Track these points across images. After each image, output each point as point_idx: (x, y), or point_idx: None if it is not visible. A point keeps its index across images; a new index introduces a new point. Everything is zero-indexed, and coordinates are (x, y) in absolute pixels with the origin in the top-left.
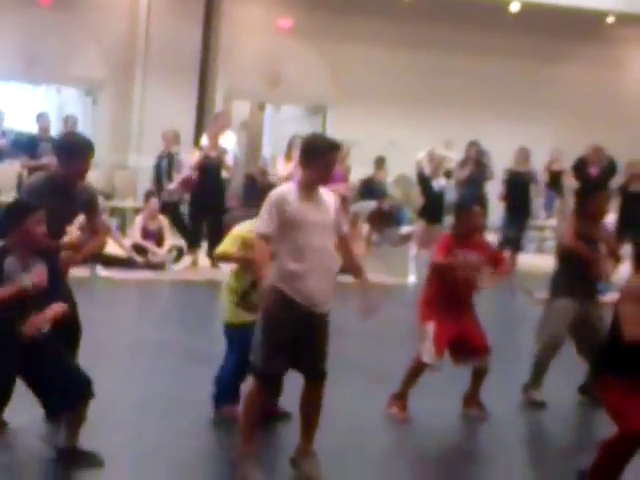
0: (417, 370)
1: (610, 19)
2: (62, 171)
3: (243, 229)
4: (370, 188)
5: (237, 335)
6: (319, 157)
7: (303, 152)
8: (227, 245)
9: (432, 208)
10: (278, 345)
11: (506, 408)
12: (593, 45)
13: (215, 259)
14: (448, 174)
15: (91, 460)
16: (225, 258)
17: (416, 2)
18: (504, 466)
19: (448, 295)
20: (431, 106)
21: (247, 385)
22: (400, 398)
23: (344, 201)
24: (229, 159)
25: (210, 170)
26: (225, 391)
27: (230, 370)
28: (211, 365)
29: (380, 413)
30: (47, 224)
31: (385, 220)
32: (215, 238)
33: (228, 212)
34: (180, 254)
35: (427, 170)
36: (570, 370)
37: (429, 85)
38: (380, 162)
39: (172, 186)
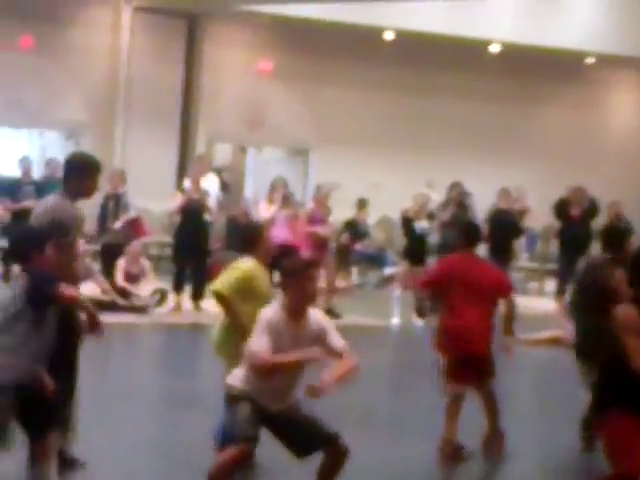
0: (453, 409)
1: (590, 60)
2: (72, 188)
3: (245, 265)
4: (353, 229)
5: None
6: (299, 276)
7: (284, 275)
8: (226, 287)
9: (415, 250)
10: (248, 416)
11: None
12: (573, 87)
13: (213, 296)
14: (430, 216)
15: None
16: (222, 303)
17: (396, 44)
18: None
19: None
20: (412, 148)
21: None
22: (448, 444)
23: (324, 243)
24: (211, 202)
25: (193, 213)
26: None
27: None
28: (195, 408)
29: (366, 453)
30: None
31: (347, 254)
32: (199, 280)
33: (211, 254)
34: (163, 297)
35: (410, 212)
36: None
37: (410, 127)
38: (362, 203)
39: (118, 225)
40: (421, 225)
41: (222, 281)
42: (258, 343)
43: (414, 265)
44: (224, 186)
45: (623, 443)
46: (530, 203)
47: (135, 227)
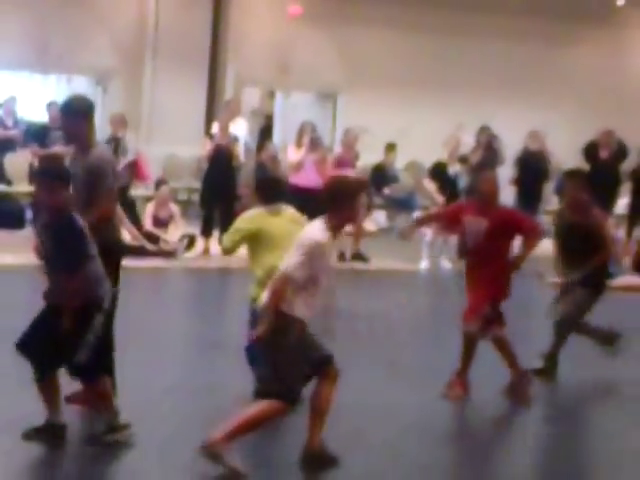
0: (468, 345)
1: (620, 2)
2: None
3: (245, 218)
4: (381, 174)
5: None
6: (347, 200)
7: (328, 195)
8: (228, 240)
9: (447, 193)
10: (303, 369)
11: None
12: (603, 29)
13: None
14: (463, 160)
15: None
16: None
17: None
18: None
19: (468, 269)
20: (442, 91)
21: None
22: (460, 376)
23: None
24: (240, 147)
25: (221, 158)
26: None
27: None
28: (223, 351)
29: (390, 397)
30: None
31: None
32: (227, 226)
33: (239, 199)
34: (192, 242)
35: (444, 158)
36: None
37: (439, 70)
38: (390, 147)
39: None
40: (454, 168)
41: (225, 238)
42: (297, 271)
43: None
44: (262, 130)
45: None
46: (558, 145)
47: (135, 170)
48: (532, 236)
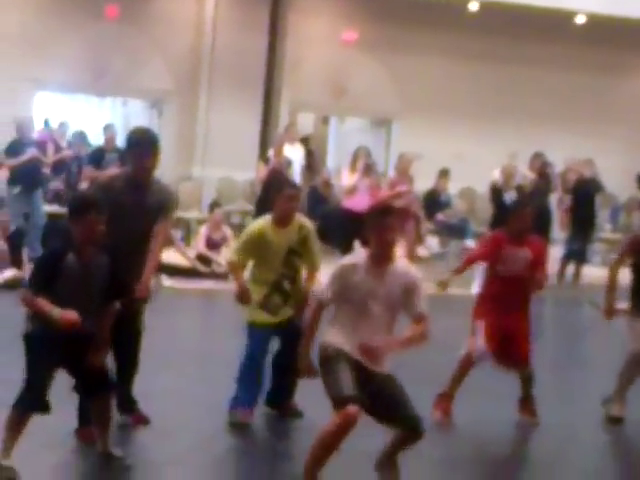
0: (464, 368)
1: None
2: (132, 166)
3: (252, 227)
4: (434, 200)
5: (256, 334)
6: (374, 224)
7: (365, 220)
8: (234, 253)
9: (503, 220)
10: (348, 375)
11: (566, 417)
12: None
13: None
14: (519, 188)
15: (117, 464)
16: (231, 271)
17: (482, 14)
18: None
19: (503, 295)
20: (496, 119)
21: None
22: (445, 399)
23: (405, 211)
24: (293, 171)
25: (275, 182)
26: (240, 392)
27: (246, 368)
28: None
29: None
30: (120, 220)
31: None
32: None
33: None
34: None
35: (499, 183)
36: None
37: (494, 98)
38: (444, 173)
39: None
40: (510, 195)
41: (232, 248)
42: (323, 291)
43: None
44: (309, 154)
45: None
46: (612, 174)
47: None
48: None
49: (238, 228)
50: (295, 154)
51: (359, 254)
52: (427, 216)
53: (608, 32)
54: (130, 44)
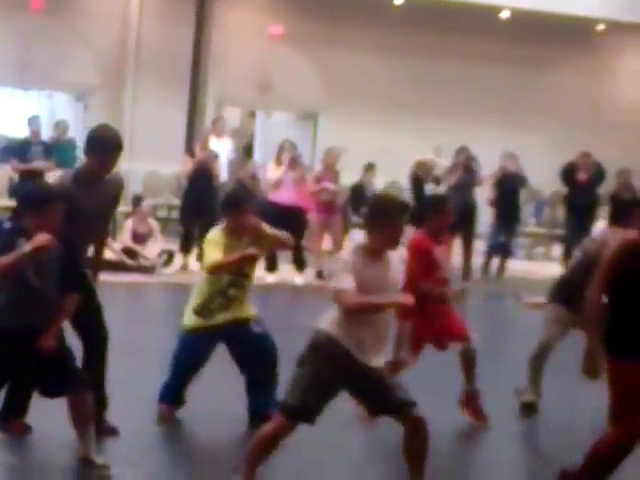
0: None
1: (600, 27)
2: (89, 165)
3: (212, 235)
4: (360, 193)
5: (188, 339)
6: (389, 220)
7: (370, 215)
8: (213, 255)
9: (421, 212)
10: (319, 386)
11: (494, 409)
12: (583, 53)
13: (208, 272)
14: (436, 181)
15: (100, 473)
16: (219, 267)
17: (407, 9)
18: (489, 465)
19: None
20: (421, 113)
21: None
22: (471, 397)
23: (331, 205)
24: (219, 165)
25: (201, 176)
26: (166, 391)
27: (175, 373)
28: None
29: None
30: (81, 220)
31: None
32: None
33: (218, 217)
34: (170, 258)
35: (420, 173)
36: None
37: (420, 92)
38: (370, 167)
39: None
40: (428, 187)
41: (207, 259)
42: (344, 282)
43: (418, 228)
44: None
45: (634, 399)
46: (538, 168)
47: None
48: None
49: (164, 222)
50: (222, 148)
51: (353, 249)
52: (354, 210)
53: (532, 27)
54: (55, 36)
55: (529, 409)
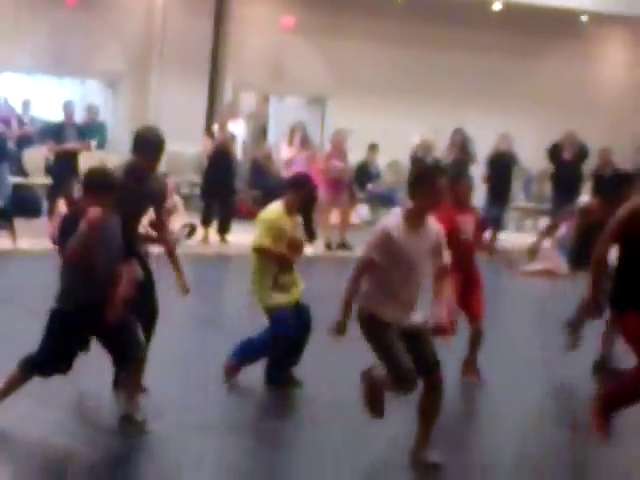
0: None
1: (584, 18)
2: (138, 162)
3: (271, 215)
4: (365, 172)
5: (274, 317)
6: (429, 184)
7: (411, 181)
8: (262, 236)
9: None
10: (399, 349)
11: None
12: (569, 42)
13: (254, 251)
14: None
15: (139, 428)
16: (263, 252)
17: (407, 2)
18: (495, 427)
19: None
20: (421, 98)
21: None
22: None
23: (340, 181)
24: (237, 145)
25: (220, 155)
26: (246, 357)
27: (261, 345)
28: (220, 329)
29: None
30: (123, 211)
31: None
32: (225, 216)
33: (237, 193)
34: (192, 230)
35: (420, 153)
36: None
37: (419, 78)
38: (372, 147)
39: None
40: None
41: (257, 237)
42: (366, 250)
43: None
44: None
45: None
46: (527, 148)
47: None
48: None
49: (186, 198)
50: (238, 129)
51: (395, 214)
52: (359, 186)
53: (522, 18)
54: (87, 29)
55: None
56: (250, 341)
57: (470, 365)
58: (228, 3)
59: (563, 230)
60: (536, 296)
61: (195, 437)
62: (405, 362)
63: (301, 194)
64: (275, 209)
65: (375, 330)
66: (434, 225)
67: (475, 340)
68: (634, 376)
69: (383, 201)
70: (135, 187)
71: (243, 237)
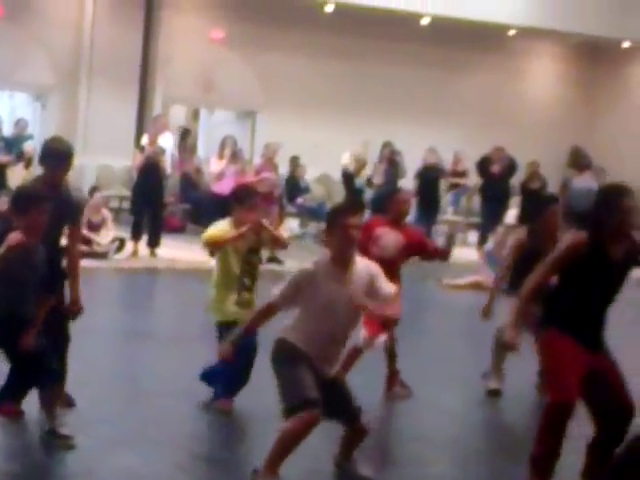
0: (354, 357)
1: (512, 32)
2: (46, 174)
3: (217, 231)
4: (294, 185)
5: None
6: (338, 227)
7: (326, 222)
8: (213, 232)
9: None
10: (303, 377)
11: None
12: (496, 56)
13: (205, 243)
14: (369, 182)
15: (65, 442)
16: (215, 242)
17: (336, 16)
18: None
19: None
20: (350, 111)
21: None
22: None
23: (270, 195)
24: (166, 158)
25: (150, 169)
26: (222, 385)
27: (225, 367)
28: (151, 342)
29: None
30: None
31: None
32: (155, 230)
33: (166, 207)
34: (122, 245)
35: (351, 168)
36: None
37: (349, 92)
38: (294, 160)
39: None
40: (360, 182)
41: (207, 234)
42: (280, 293)
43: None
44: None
45: (558, 366)
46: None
47: None
48: (438, 257)
49: (116, 211)
50: (167, 143)
51: (320, 258)
52: (288, 200)
53: (450, 33)
54: (15, 41)
55: (495, 394)
56: (213, 370)
57: (394, 377)
58: (157, 16)
59: (490, 245)
60: (465, 309)
61: (125, 452)
62: (309, 386)
63: (246, 207)
64: (222, 225)
65: (288, 353)
66: (365, 265)
67: (392, 354)
68: (543, 417)
69: (312, 215)
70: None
71: (173, 251)
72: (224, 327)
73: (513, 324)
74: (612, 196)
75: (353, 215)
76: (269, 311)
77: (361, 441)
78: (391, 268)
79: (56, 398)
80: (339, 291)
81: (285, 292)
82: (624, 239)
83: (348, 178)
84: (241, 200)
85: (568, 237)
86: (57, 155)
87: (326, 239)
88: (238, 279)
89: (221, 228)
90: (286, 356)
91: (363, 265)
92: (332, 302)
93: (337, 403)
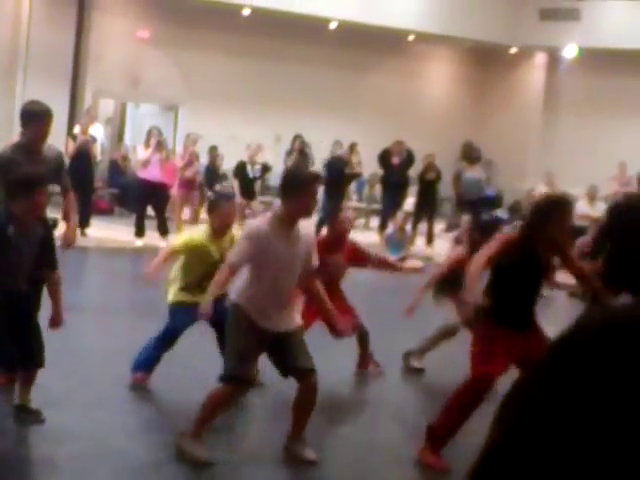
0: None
1: (411, 37)
2: (28, 135)
3: (198, 232)
4: (212, 173)
5: (171, 311)
6: (303, 189)
7: (285, 185)
8: (177, 246)
9: (247, 189)
10: (246, 352)
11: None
12: (397, 59)
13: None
14: (266, 168)
15: (36, 417)
16: (171, 252)
17: (253, 18)
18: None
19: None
20: (264, 106)
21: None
22: (366, 358)
23: (191, 181)
24: (96, 147)
25: (82, 155)
26: (143, 360)
27: (155, 341)
28: (81, 313)
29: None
30: None
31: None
32: (85, 212)
33: (96, 191)
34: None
35: (246, 159)
36: None
37: (263, 88)
38: (212, 150)
39: None
40: (255, 169)
41: (180, 238)
42: (236, 256)
43: (248, 200)
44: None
45: (485, 347)
46: (360, 153)
47: None
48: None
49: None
50: (97, 133)
51: (266, 217)
52: (207, 186)
53: (355, 36)
54: None
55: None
56: (145, 348)
57: (366, 359)
58: (89, 16)
59: (390, 229)
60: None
61: (56, 412)
62: (249, 358)
63: (218, 214)
64: (200, 231)
65: (239, 322)
66: (305, 229)
67: (363, 338)
68: (460, 391)
69: None
70: (28, 164)
71: (101, 231)
72: (171, 307)
73: (467, 301)
74: (551, 207)
75: (317, 184)
76: (231, 273)
77: (311, 403)
78: (333, 283)
79: (34, 378)
80: (286, 247)
81: (241, 249)
82: (556, 250)
83: (240, 168)
84: (212, 209)
85: (500, 236)
86: (39, 115)
87: (284, 198)
88: (197, 279)
89: (199, 236)
90: (237, 325)
91: (305, 228)
92: (280, 257)
93: (287, 359)
